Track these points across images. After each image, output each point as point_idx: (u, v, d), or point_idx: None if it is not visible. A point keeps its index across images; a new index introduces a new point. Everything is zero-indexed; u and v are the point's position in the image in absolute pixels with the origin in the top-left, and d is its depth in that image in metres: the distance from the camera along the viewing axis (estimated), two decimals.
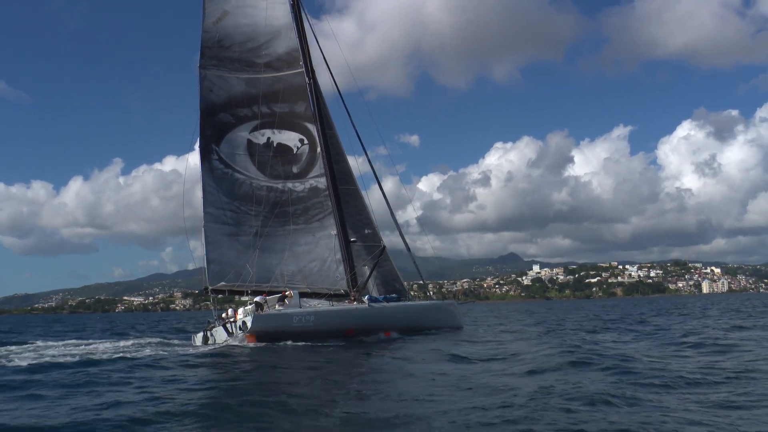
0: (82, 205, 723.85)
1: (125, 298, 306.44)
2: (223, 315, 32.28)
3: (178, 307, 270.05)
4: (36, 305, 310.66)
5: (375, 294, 36.10)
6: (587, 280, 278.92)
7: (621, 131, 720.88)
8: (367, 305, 32.70)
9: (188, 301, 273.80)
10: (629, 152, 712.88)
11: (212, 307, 33.76)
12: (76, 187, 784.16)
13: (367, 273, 36.42)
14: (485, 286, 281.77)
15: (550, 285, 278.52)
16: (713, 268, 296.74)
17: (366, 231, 37.31)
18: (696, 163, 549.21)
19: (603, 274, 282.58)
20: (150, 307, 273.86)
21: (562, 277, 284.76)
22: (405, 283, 39.59)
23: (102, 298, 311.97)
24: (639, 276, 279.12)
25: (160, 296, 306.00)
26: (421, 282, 42.46)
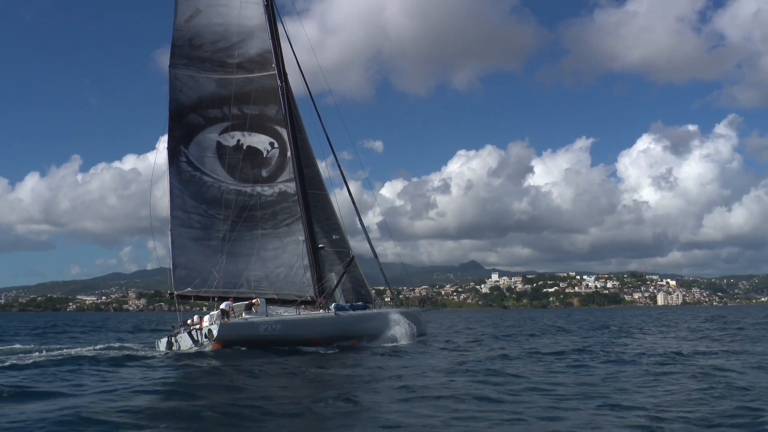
0: (38, 201, 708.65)
1: (79, 297, 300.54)
2: (189, 321, 31.72)
3: (131, 308, 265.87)
4: None
5: (341, 301, 35.84)
6: (545, 290, 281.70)
7: (583, 143, 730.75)
8: (333, 313, 32.46)
9: (142, 302, 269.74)
10: (590, 164, 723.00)
11: (177, 312, 33.10)
12: (32, 183, 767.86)
13: (335, 279, 36.14)
14: (443, 293, 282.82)
15: (508, 294, 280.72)
16: (669, 280, 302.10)
17: (334, 237, 37.08)
18: (653, 177, 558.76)
19: (561, 284, 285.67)
20: (102, 307, 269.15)
21: (520, 286, 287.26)
22: None
23: (54, 296, 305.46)
24: (596, 287, 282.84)
25: (113, 296, 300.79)
26: (383, 287, 42.36)
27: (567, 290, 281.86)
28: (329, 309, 33.23)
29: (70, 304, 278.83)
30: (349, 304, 35.29)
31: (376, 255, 38.48)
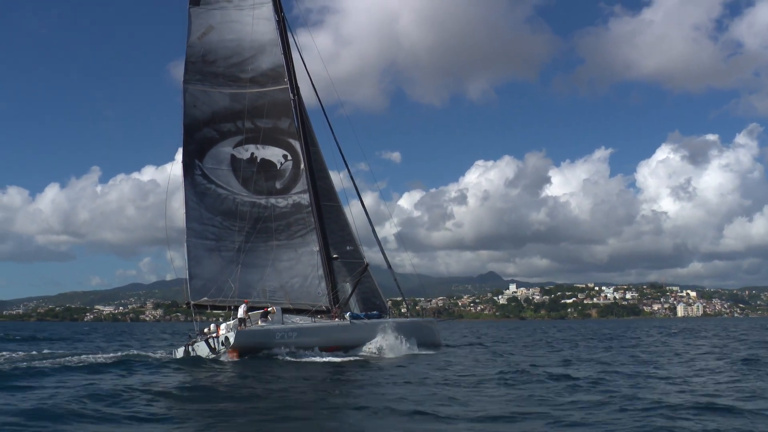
0: (58, 212, 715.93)
1: (97, 307, 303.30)
2: (206, 330, 32.59)
3: (147, 318, 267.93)
4: (5, 312, 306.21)
5: (356, 311, 36.60)
6: (563, 301, 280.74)
7: (602, 153, 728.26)
8: (348, 322, 33.25)
9: (159, 312, 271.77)
10: (608, 174, 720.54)
11: (194, 322, 34.06)
12: (52, 194, 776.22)
13: (349, 289, 36.91)
14: (460, 304, 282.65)
15: (525, 305, 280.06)
16: (689, 291, 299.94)
17: (348, 248, 37.86)
18: (672, 187, 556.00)
19: (579, 296, 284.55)
20: (119, 317, 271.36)
21: (538, 297, 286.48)
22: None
23: (72, 306, 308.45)
24: (615, 298, 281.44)
25: (130, 306, 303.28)
26: (399, 298, 42.98)
27: (585, 301, 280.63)
28: (344, 318, 34.01)
29: (88, 314, 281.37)
30: (363, 313, 36.07)
31: (389, 265, 39.25)
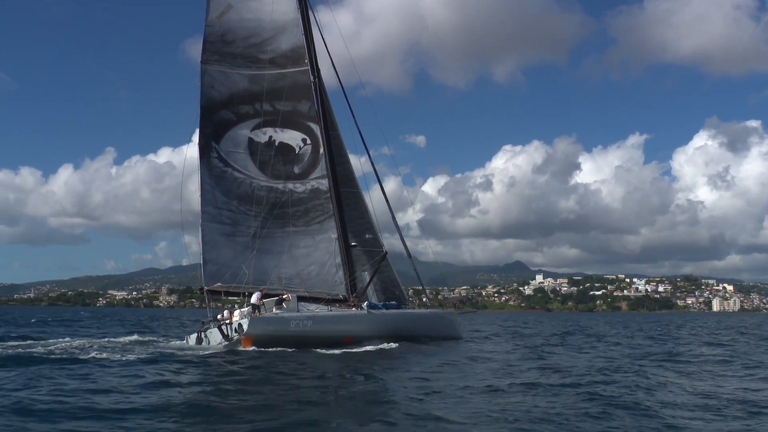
0: (72, 194, 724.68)
1: (110, 292, 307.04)
2: (219, 316, 33.10)
3: (161, 304, 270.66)
4: (16, 296, 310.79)
5: (374, 300, 36.97)
6: (592, 293, 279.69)
7: (636, 139, 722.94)
8: (366, 312, 33.63)
9: (173, 298, 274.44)
10: (643, 161, 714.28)
11: (207, 308, 34.60)
12: (65, 175, 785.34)
13: (367, 278, 37.28)
14: (484, 294, 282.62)
15: (552, 296, 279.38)
16: (726, 285, 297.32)
17: (367, 236, 38.22)
18: (709, 175, 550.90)
19: (609, 287, 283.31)
20: (132, 303, 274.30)
21: (566, 288, 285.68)
22: (403, 288, 40.53)
23: (84, 291, 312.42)
24: (646, 290, 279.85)
25: (144, 292, 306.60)
26: (419, 287, 43.31)
27: (615, 293, 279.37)
28: (362, 307, 34.40)
29: (101, 299, 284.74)
30: (382, 302, 36.45)
31: (409, 253, 39.60)
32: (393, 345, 31.58)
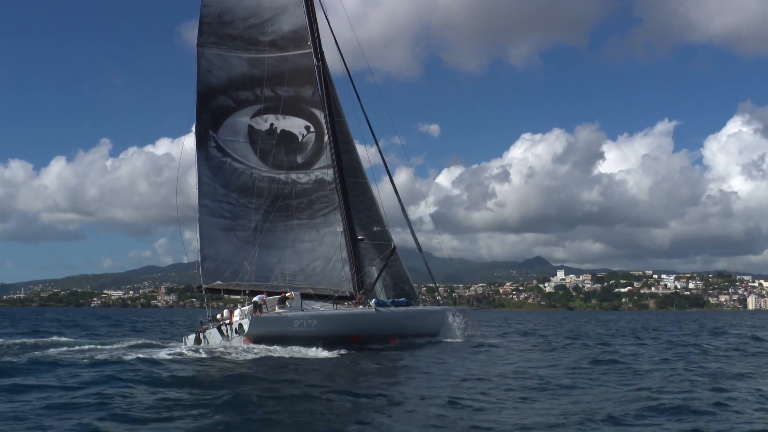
0: (64, 188, 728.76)
1: (105, 292, 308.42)
2: (218, 316, 33.13)
3: (160, 304, 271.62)
4: (6, 296, 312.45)
5: (382, 297, 36.94)
6: (616, 290, 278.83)
7: (665, 126, 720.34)
8: (374, 310, 33.61)
9: (172, 297, 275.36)
10: (672, 149, 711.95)
11: (206, 307, 34.64)
12: (58, 168, 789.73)
13: (375, 274, 37.24)
14: (501, 291, 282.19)
15: (575, 293, 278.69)
16: (762, 281, 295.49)
17: (375, 228, 38.20)
18: (743, 164, 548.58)
19: (635, 284, 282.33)
20: (129, 303, 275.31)
21: (589, 285, 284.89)
22: (415, 285, 40.51)
23: (78, 290, 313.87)
24: (676, 287, 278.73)
25: (141, 291, 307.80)
26: (432, 284, 43.29)
27: (642, 291, 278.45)
28: (369, 305, 34.39)
29: (95, 299, 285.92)
30: (390, 300, 36.42)
31: (420, 248, 39.58)
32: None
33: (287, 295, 32.76)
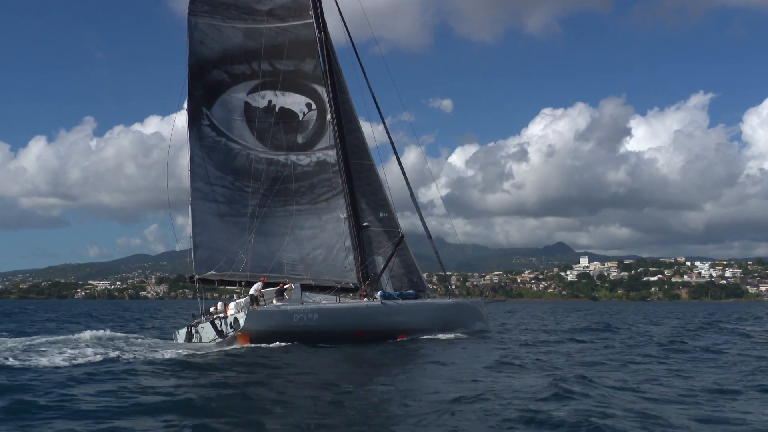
0: (45, 171, 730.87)
1: (90, 282, 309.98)
2: (211, 309, 33.34)
3: (149, 295, 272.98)
4: None
5: (389, 289, 37.10)
6: (645, 278, 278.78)
7: (700, 99, 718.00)
8: (380, 303, 33.80)
9: (162, 288, 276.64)
10: (707, 124, 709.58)
11: (199, 299, 34.87)
12: (37, 149, 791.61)
13: (381, 264, 37.38)
14: (519, 280, 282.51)
15: (599, 282, 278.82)
16: None
17: (381, 214, 38.31)
18: None
19: (666, 272, 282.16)
20: (116, 294, 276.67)
21: (615, 274, 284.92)
22: (424, 275, 40.67)
23: (61, 281, 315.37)
24: (711, 276, 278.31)
25: (129, 281, 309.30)
26: (449, 273, 43.46)
27: (674, 279, 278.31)
28: (374, 297, 34.58)
29: (79, 290, 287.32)
30: (397, 292, 36.59)
31: (429, 234, 39.71)
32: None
33: (285, 286, 32.91)
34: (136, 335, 34.13)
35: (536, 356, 26.24)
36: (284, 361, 24.61)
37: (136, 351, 25.74)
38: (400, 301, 34.82)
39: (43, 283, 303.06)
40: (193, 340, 31.74)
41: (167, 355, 24.90)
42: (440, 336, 34.33)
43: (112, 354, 24.37)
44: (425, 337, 34.03)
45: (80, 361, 22.72)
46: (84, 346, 26.56)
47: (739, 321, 61.06)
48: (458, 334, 35.27)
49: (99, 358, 23.50)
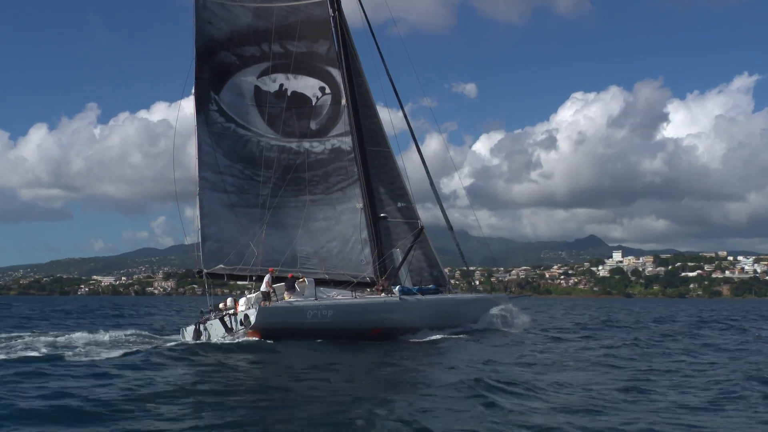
0: (46, 160, 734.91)
1: (95, 278, 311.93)
2: (221, 305, 33.50)
3: (156, 291, 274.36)
4: None
5: (408, 284, 37.17)
6: (683, 274, 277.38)
7: (744, 81, 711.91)
8: (398, 298, 33.90)
9: (170, 284, 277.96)
10: (752, 109, 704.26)
11: (207, 295, 34.99)
12: (38, 137, 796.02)
13: (399, 257, 37.45)
14: (547, 276, 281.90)
15: (633, 278, 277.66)
16: None
17: (399, 204, 38.43)
18: None
19: (706, 267, 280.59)
20: (121, 290, 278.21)
21: (650, 269, 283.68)
22: (446, 270, 40.72)
23: (63, 277, 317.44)
24: (755, 271, 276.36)
25: (135, 276, 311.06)
26: (472, 268, 43.63)
27: (714, 275, 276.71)
28: (392, 292, 34.69)
29: (82, 286, 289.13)
30: (417, 286, 36.68)
31: (450, 226, 39.80)
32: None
33: (293, 276, 32.93)
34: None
35: None
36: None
37: None
38: (419, 297, 34.93)
39: (45, 279, 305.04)
40: (202, 338, 31.89)
41: None
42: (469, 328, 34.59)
43: None
44: (446, 334, 34.16)
45: None
46: None
47: None
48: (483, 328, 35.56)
49: None
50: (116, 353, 24.58)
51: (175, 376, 19.94)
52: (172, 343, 29.17)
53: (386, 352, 27.36)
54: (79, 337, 30.73)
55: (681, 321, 55.03)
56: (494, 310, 37.98)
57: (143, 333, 34.16)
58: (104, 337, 31.09)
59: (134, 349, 25.94)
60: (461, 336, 34.25)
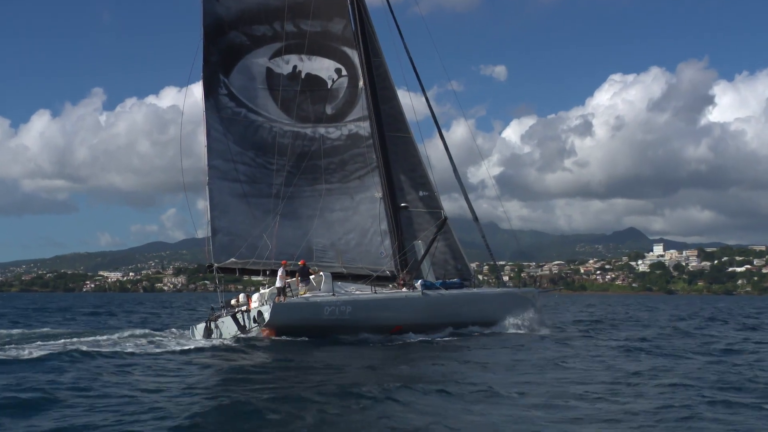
0: (49, 149, 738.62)
1: (101, 273, 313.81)
2: (233, 302, 33.66)
3: (166, 287, 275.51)
4: None
5: (430, 278, 37.22)
6: (731, 269, 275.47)
7: None
8: (420, 293, 33.95)
9: (180, 279, 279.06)
10: None
11: (218, 291, 35.14)
12: (40, 124, 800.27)
13: (422, 250, 37.49)
14: (582, 271, 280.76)
15: (675, 273, 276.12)
16: None
17: (421, 193, 38.44)
18: None
19: (756, 262, 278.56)
20: (129, 287, 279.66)
21: (695, 263, 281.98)
22: (473, 266, 40.71)
23: (67, 272, 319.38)
24: None
25: (144, 272, 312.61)
26: (501, 263, 43.62)
27: (765, 270, 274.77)
28: (414, 287, 34.77)
29: (88, 282, 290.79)
30: (440, 281, 36.72)
31: (476, 217, 39.74)
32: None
33: (311, 270, 33.03)
34: None
35: None
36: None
37: None
38: (442, 291, 34.97)
39: (48, 275, 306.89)
40: (213, 336, 32.05)
41: None
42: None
43: None
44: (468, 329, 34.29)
45: None
46: None
47: None
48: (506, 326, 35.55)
49: None
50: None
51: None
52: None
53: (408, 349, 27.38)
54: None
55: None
56: (514, 320, 36.90)
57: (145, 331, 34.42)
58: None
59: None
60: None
